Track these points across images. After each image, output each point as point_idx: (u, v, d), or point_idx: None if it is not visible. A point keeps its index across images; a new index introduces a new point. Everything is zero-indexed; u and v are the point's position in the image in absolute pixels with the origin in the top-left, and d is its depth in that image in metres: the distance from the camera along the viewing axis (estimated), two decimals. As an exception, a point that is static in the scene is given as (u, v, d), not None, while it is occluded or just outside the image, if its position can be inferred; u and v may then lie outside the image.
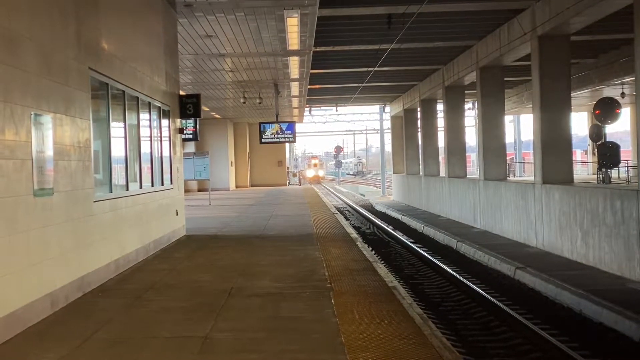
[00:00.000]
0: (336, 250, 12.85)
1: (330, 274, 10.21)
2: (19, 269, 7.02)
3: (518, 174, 41.27)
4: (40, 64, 7.73)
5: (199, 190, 36.10)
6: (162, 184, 14.11)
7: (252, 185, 43.95)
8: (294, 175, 59.49)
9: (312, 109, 41.79)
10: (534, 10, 15.61)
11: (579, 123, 43.73)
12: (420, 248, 18.17)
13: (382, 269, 10.67)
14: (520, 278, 12.89)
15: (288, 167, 52.98)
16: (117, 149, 11.09)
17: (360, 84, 27.15)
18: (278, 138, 26.23)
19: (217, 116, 36.75)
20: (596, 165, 22.12)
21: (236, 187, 41.62)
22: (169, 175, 14.72)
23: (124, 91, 11.29)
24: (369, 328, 6.77)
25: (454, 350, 6.37)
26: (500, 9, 16.58)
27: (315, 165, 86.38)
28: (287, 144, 44.78)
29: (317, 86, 28.62)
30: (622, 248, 11.87)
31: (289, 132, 26.08)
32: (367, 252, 12.67)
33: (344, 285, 9.22)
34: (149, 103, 13.03)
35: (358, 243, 14.05)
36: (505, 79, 21.27)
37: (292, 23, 15.16)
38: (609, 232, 12.30)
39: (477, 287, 12.58)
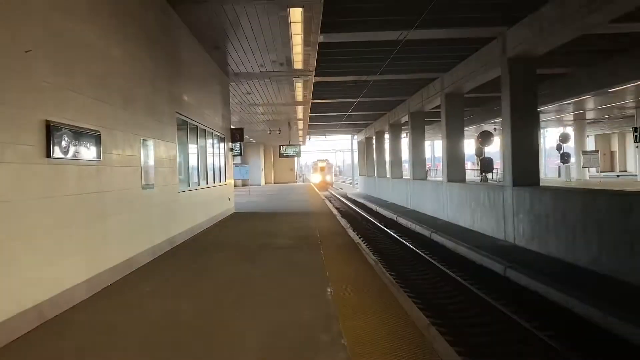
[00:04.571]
0: (323, 221, 14.43)
1: (320, 235, 11.34)
2: (133, 233, 7.81)
3: (433, 175, 50.47)
4: (145, 110, 8.47)
5: (243, 185, 42.12)
6: (220, 181, 15.64)
7: (274, 182, 52.54)
8: (300, 177, 67.55)
9: (311, 136, 48.97)
10: (442, 79, 18.20)
11: (469, 146, 52.87)
12: (374, 219, 21.37)
13: (351, 232, 11.91)
14: (434, 238, 14.92)
15: (296, 172, 61.55)
16: (193, 161, 12.18)
17: (339, 122, 32.97)
18: (290, 154, 32.00)
19: (253, 140, 43.01)
20: (479, 171, 27.14)
21: (265, 183, 49.35)
22: (224, 176, 16.41)
23: (196, 126, 12.44)
24: (342, 267, 7.69)
25: (394, 281, 7.29)
26: (421, 78, 19.54)
27: (322, 169, 60.91)
28: (295, 158, 53.66)
29: (313, 122, 33.34)
30: (493, 221, 13.85)
31: (296, 151, 31.96)
32: (343, 222, 14.28)
33: (329, 242, 10.28)
34: (212, 133, 14.37)
35: (337, 216, 15.85)
36: (426, 119, 24.71)
37: (299, 86, 17.69)
38: (486, 211, 14.30)
39: (408, 243, 14.61)
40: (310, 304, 5.80)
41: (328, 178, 59.45)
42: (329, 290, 6.34)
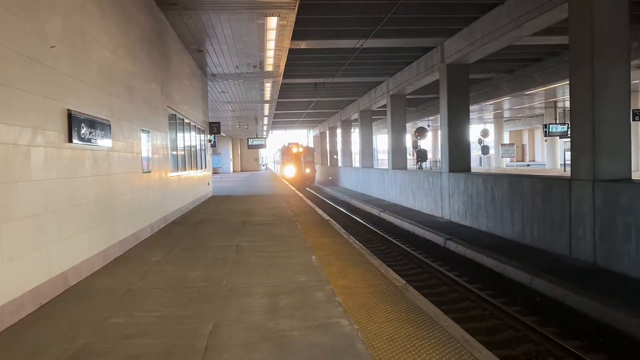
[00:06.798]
0: (293, 202, 14.47)
1: (294, 213, 11.52)
2: (133, 212, 7.65)
3: (377, 164, 48.02)
4: (144, 103, 8.35)
5: (215, 173, 39.14)
6: (202, 168, 15.54)
7: (242, 170, 52.50)
8: (263, 166, 65.54)
9: (273, 130, 48.49)
10: (388, 82, 18.45)
11: (407, 139, 55.96)
12: (333, 203, 21.64)
13: (319, 211, 12.24)
14: (383, 216, 15.36)
15: (260, 162, 60.12)
16: (180, 149, 12.11)
17: (298, 118, 33.10)
18: (256, 145, 31.20)
19: (224, 134, 41.99)
20: (415, 160, 27.68)
21: (233, 171, 49.22)
22: (205, 163, 16.31)
23: (183, 119, 12.28)
24: (320, 239, 7.80)
25: (366, 248, 7.49)
26: (370, 81, 19.69)
27: (297, 156, 34.12)
28: (260, 149, 52.59)
29: (276, 119, 33.59)
30: (432, 200, 14.35)
31: (262, 143, 31.17)
32: (310, 203, 14.44)
33: (302, 219, 10.42)
34: (195, 126, 14.22)
35: (303, 198, 15.96)
36: (373, 116, 24.98)
37: (267, 86, 17.64)
38: (426, 193, 14.75)
39: (362, 221, 15.04)
40: (299, 266, 5.98)
41: (308, 171, 34.22)
42: (313, 257, 6.50)
